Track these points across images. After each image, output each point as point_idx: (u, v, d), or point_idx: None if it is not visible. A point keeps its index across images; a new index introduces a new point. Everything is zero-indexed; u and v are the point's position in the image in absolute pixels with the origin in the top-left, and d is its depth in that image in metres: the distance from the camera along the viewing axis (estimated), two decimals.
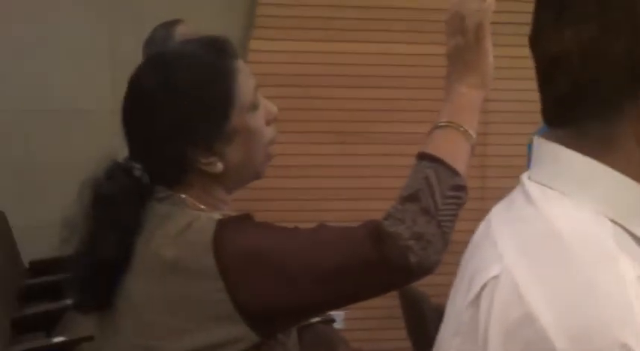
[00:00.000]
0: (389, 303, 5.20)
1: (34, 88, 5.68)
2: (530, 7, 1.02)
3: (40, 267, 5.29)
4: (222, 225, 1.56)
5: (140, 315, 1.58)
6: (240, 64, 1.67)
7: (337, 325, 5.19)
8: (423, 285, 4.60)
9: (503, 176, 5.56)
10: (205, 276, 1.52)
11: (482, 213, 1.11)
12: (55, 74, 5.68)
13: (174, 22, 3.88)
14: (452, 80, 1.65)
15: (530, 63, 1.04)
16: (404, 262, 1.50)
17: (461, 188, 1.58)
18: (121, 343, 1.62)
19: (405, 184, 1.57)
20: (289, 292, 1.51)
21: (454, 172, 1.57)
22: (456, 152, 1.59)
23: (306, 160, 5.59)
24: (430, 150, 1.60)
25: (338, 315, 5.36)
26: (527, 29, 1.03)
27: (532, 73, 1.02)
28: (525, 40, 1.01)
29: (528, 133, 4.59)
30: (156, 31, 3.87)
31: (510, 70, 4.78)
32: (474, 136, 1.62)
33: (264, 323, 1.54)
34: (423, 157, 1.60)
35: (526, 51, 1.05)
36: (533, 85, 1.01)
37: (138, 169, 1.64)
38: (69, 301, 4.64)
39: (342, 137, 5.66)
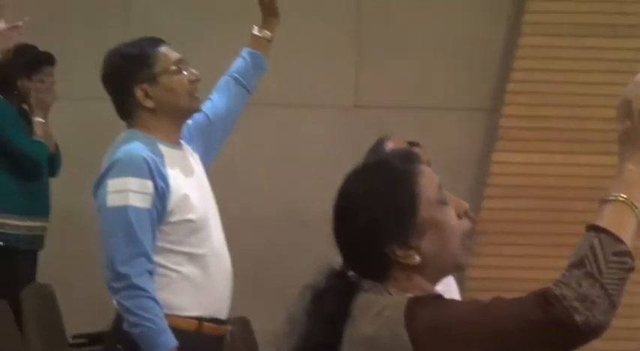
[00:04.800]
0: None
1: None
2: None
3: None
4: (414, 301, 1.76)
5: None
6: (422, 167, 1.89)
7: None
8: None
9: None
10: (399, 346, 1.72)
11: None
12: None
13: (382, 141, 4.14)
14: (621, 160, 1.82)
15: None
16: (570, 321, 1.65)
17: (625, 254, 1.71)
18: None
19: (572, 253, 1.74)
20: None
21: (618, 240, 1.72)
22: (620, 223, 1.75)
23: (549, 274, 5.44)
24: (597, 222, 1.77)
25: None
26: None
27: None
28: None
29: None
30: (367, 156, 4.16)
31: None
32: None
33: None
34: (589, 228, 1.76)
35: None
36: None
37: (352, 275, 1.88)
38: None
39: None
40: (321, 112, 5.93)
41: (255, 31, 3.68)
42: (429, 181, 1.87)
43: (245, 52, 3.66)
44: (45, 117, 5.11)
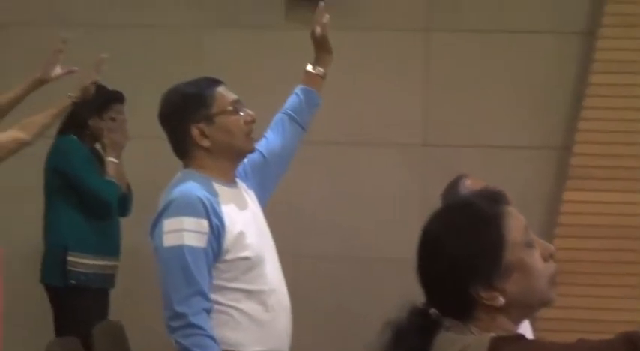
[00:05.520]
0: None
1: None
2: None
3: None
4: (497, 339, 1.77)
5: None
6: (509, 208, 1.88)
7: None
8: None
9: None
10: None
11: None
12: None
13: (459, 178, 4.13)
14: None
15: None
16: None
17: None
18: None
19: None
20: None
21: None
22: None
23: (621, 315, 5.36)
24: None
25: None
26: None
27: None
28: None
29: None
30: (445, 193, 4.16)
31: None
32: None
33: None
34: None
35: None
36: None
37: (434, 312, 1.87)
38: None
39: None
40: (390, 151, 5.93)
41: (309, 67, 3.71)
42: (515, 223, 1.87)
43: (298, 88, 3.69)
44: (118, 157, 5.17)
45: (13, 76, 5.67)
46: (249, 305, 3.26)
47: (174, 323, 3.17)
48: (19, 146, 4.75)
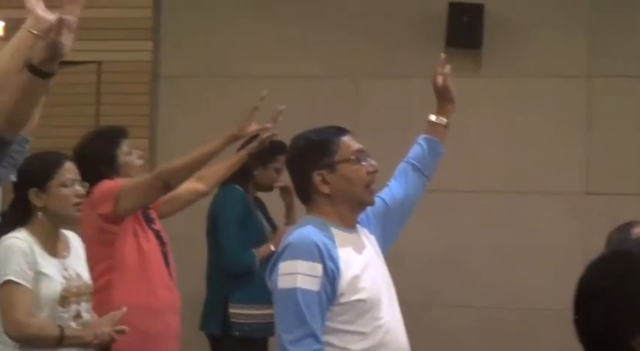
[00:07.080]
0: None
1: None
2: None
3: None
4: None
5: None
6: None
7: None
8: None
9: None
10: None
11: None
12: None
13: (630, 224, 4.04)
14: None
15: None
16: None
17: None
18: None
19: None
20: None
21: None
22: None
23: None
24: None
25: None
26: None
27: None
28: None
29: None
30: (612, 234, 4.06)
31: None
32: None
33: None
34: None
35: None
36: None
37: None
38: None
39: None
40: (552, 199, 5.85)
41: (432, 117, 3.75)
42: None
43: (421, 138, 3.75)
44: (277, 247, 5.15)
45: (177, 125, 5.84)
46: (363, 347, 3.27)
47: None
48: (198, 197, 4.89)
